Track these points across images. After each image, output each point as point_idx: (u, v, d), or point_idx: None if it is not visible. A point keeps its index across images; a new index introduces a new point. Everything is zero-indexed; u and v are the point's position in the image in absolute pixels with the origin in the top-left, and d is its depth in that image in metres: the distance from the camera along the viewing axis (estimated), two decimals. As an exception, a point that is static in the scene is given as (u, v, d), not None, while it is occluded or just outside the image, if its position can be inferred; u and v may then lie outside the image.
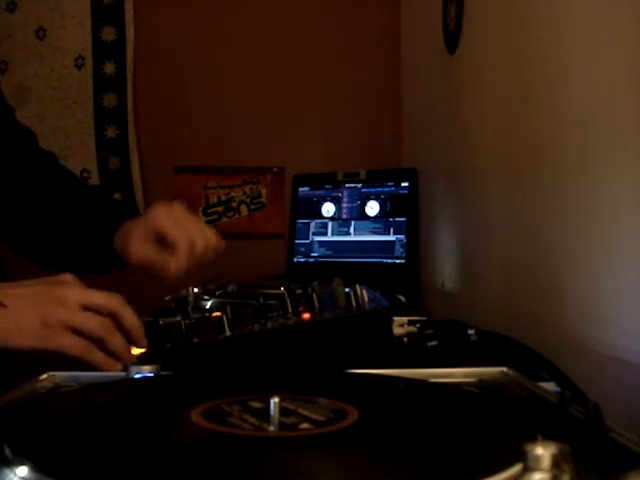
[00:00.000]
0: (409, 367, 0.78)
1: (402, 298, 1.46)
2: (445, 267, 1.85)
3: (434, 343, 1.01)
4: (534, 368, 0.90)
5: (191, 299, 1.16)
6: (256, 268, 2.09)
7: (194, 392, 0.64)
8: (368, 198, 2.11)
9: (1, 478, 0.44)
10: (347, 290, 0.95)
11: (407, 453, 0.49)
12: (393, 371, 0.76)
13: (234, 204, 2.36)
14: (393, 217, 2.06)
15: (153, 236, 1.04)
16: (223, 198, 2.36)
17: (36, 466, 0.44)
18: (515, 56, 1.39)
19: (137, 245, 1.04)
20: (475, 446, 0.50)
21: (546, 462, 0.41)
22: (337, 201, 2.16)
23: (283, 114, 2.34)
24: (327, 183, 2.19)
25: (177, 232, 1.03)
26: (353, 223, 2.12)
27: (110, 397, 0.67)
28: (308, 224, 2.20)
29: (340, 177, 2.18)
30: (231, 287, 1.25)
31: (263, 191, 2.37)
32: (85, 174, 2.29)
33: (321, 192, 2.20)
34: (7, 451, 0.46)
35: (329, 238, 2.16)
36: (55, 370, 0.75)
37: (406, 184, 2.07)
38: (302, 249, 2.20)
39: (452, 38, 1.75)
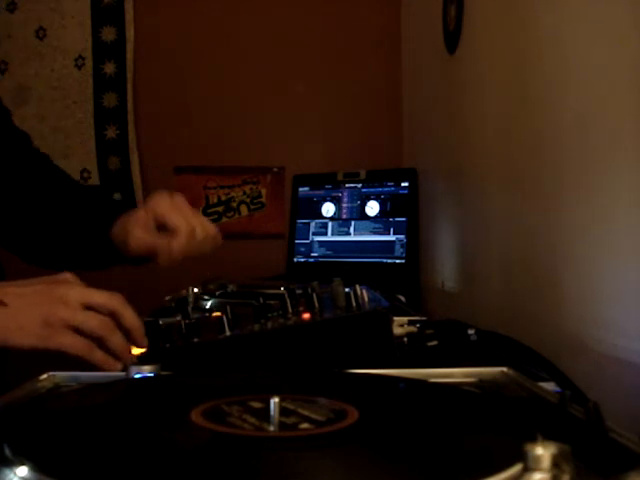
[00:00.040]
0: (409, 367, 0.78)
1: (402, 298, 1.46)
2: (445, 267, 1.85)
3: (434, 343, 1.01)
4: (534, 368, 0.90)
5: (191, 299, 1.15)
6: (256, 268, 2.09)
7: (194, 392, 0.64)
8: (368, 198, 2.11)
9: (1, 478, 0.44)
10: (347, 290, 0.95)
11: (407, 453, 0.49)
12: (393, 371, 0.76)
13: (234, 204, 2.36)
14: (393, 217, 2.05)
15: (154, 222, 1.04)
16: (223, 198, 2.36)
17: (36, 466, 0.44)
18: (515, 56, 1.39)
19: (138, 231, 1.04)
20: (475, 446, 0.50)
21: (546, 462, 0.41)
22: (337, 201, 2.16)
23: (283, 114, 2.34)
24: (327, 183, 2.19)
25: (178, 218, 1.03)
26: (353, 223, 2.12)
27: (110, 397, 0.67)
28: (308, 224, 2.20)
29: (340, 177, 2.17)
30: (231, 287, 1.25)
31: (263, 191, 2.37)
32: (85, 174, 2.29)
33: (321, 192, 2.20)
34: (7, 451, 0.46)
35: (329, 238, 2.16)
36: (55, 370, 0.75)
37: (406, 184, 2.07)
38: (302, 249, 2.20)
39: (452, 38, 1.75)
